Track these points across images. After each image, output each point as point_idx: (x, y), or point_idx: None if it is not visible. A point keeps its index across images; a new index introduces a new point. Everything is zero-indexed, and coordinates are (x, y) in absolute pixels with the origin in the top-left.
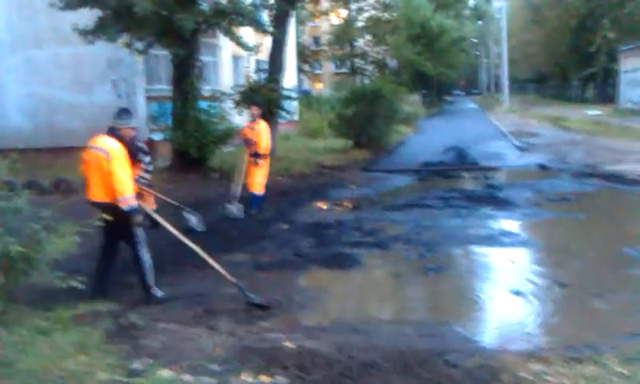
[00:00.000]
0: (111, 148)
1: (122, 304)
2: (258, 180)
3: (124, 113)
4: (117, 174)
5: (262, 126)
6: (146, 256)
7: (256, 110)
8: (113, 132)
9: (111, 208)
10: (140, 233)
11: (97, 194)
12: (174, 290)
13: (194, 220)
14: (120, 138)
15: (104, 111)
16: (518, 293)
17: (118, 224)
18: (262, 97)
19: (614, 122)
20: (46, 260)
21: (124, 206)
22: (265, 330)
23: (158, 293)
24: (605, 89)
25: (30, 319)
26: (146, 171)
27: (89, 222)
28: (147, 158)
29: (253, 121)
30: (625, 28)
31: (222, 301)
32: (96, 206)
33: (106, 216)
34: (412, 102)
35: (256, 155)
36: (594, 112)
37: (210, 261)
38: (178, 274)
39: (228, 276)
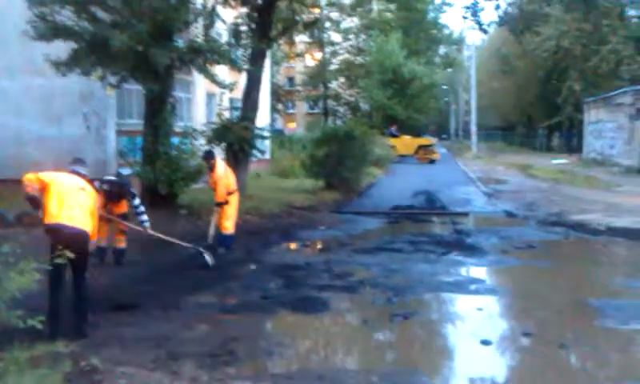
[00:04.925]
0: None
1: (82, 345)
2: (225, 220)
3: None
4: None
5: (217, 174)
6: None
7: (207, 162)
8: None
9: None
10: None
11: (78, 221)
12: (136, 331)
13: (207, 257)
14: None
15: (73, 144)
16: (485, 342)
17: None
18: (235, 135)
19: (579, 171)
20: (3, 297)
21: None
22: (229, 377)
23: None
24: (570, 138)
25: None
26: (142, 213)
27: (49, 257)
28: (137, 200)
29: (210, 170)
30: (590, 80)
31: (186, 344)
32: (69, 231)
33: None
34: (383, 145)
35: (216, 204)
36: (559, 161)
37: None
38: (142, 314)
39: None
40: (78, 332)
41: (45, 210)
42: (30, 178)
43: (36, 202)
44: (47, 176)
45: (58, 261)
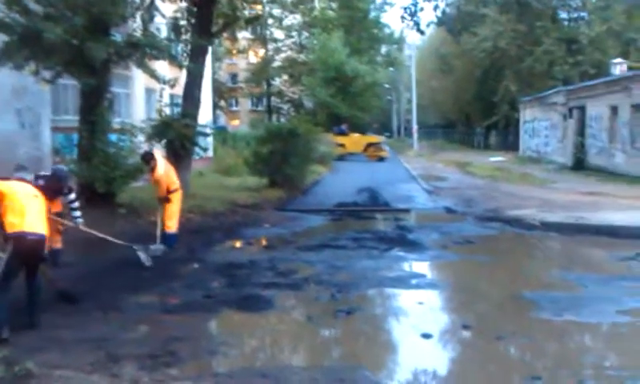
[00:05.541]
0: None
1: (18, 349)
2: (167, 218)
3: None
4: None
5: (157, 174)
6: None
7: (147, 163)
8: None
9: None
10: None
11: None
12: (75, 333)
13: (142, 256)
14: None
15: (7, 141)
16: (425, 335)
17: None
18: (176, 132)
19: (515, 168)
20: None
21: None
22: (171, 378)
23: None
24: (506, 136)
25: None
26: (76, 209)
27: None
28: (73, 195)
29: (150, 170)
30: (525, 80)
31: (126, 345)
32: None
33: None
34: (327, 142)
35: (159, 200)
36: (496, 158)
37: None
38: (80, 316)
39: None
40: (32, 323)
41: (4, 220)
42: None
43: None
44: (4, 187)
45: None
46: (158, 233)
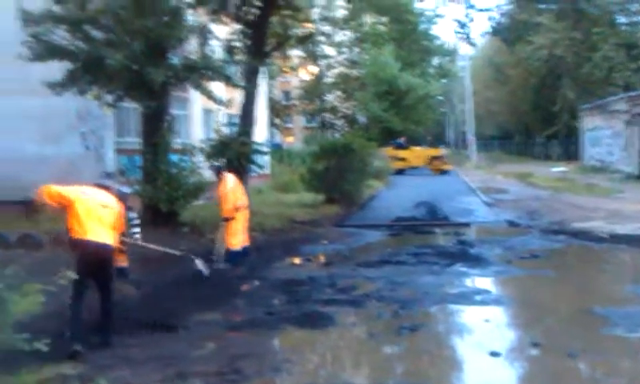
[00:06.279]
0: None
1: (91, 366)
2: (230, 236)
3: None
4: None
5: (223, 188)
6: None
7: (215, 176)
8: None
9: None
10: None
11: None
12: (144, 351)
13: (200, 265)
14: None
15: (72, 163)
16: (493, 353)
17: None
18: (234, 151)
19: (579, 178)
20: (8, 320)
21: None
22: None
23: None
24: (568, 146)
25: None
26: (136, 226)
27: (54, 279)
28: (134, 213)
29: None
30: (583, 87)
31: (194, 363)
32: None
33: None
34: (382, 157)
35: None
36: (558, 169)
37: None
38: (148, 334)
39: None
40: (104, 341)
41: (69, 225)
42: (50, 192)
43: (42, 208)
44: (71, 194)
45: (78, 274)
46: (220, 250)
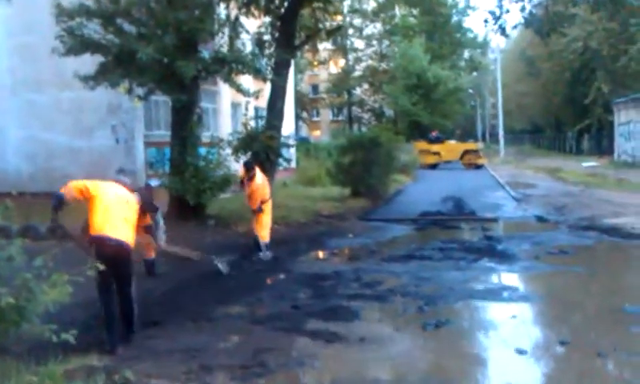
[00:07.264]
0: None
1: (116, 358)
2: (261, 228)
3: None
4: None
5: (256, 184)
6: None
7: (248, 172)
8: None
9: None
10: None
11: (121, 234)
12: (168, 343)
13: (220, 266)
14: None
15: (103, 156)
16: (520, 351)
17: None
18: (261, 144)
19: (610, 173)
20: (37, 311)
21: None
22: None
23: None
24: (600, 140)
25: (19, 373)
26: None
27: (82, 270)
28: (159, 215)
29: (250, 179)
30: (619, 81)
31: (218, 355)
32: (112, 243)
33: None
34: (409, 151)
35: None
36: (589, 164)
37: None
38: (173, 326)
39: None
40: (128, 334)
41: (90, 221)
42: (72, 188)
43: (61, 209)
44: (94, 188)
45: (98, 270)
46: (261, 242)
